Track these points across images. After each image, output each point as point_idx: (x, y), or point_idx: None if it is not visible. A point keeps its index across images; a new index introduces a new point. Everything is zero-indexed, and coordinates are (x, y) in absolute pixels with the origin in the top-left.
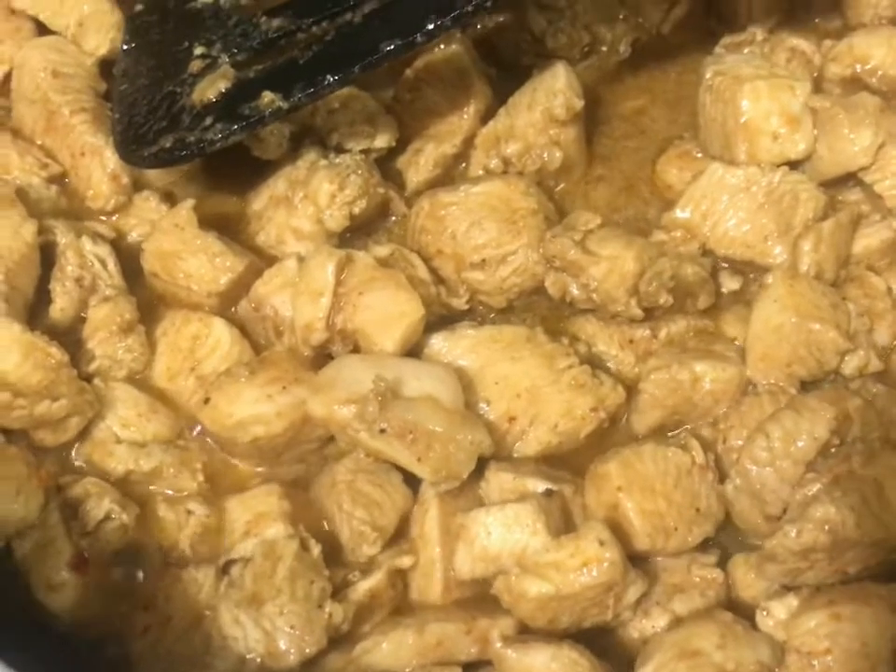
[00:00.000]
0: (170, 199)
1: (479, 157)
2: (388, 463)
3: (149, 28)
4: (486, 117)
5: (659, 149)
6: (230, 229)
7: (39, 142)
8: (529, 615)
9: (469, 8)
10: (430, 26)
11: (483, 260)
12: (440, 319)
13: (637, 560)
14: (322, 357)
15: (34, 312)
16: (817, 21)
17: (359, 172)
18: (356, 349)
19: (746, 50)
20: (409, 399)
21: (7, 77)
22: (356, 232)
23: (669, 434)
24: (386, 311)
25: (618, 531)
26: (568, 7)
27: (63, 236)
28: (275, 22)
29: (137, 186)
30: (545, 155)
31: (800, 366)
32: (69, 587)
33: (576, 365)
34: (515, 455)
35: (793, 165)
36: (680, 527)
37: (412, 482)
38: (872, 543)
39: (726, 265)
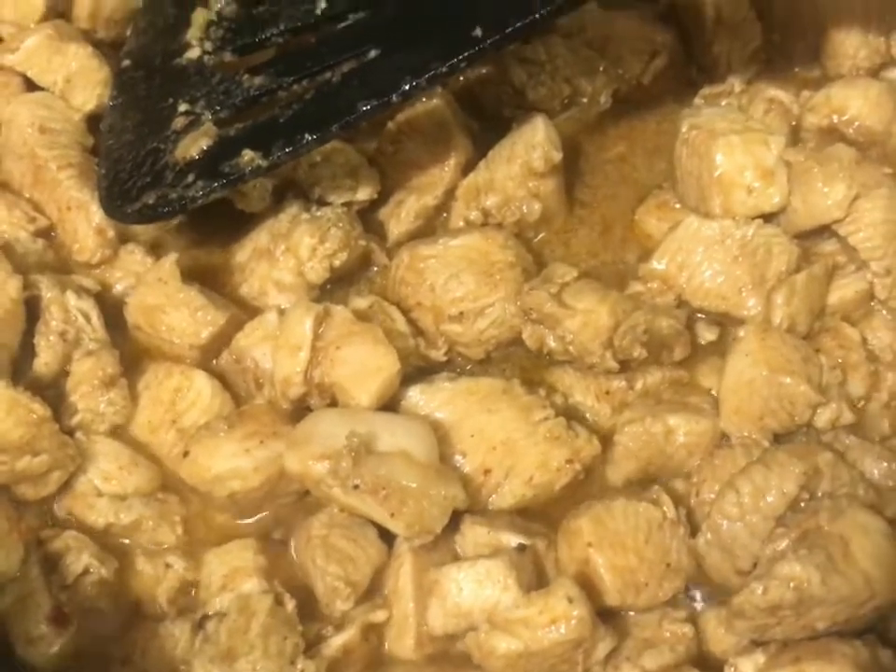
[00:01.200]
0: (155, 251)
1: (460, 209)
2: (363, 518)
3: (136, 84)
4: (467, 169)
5: (639, 198)
6: (214, 280)
7: (27, 195)
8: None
9: (444, 69)
10: (406, 87)
11: (461, 313)
12: (418, 370)
13: (607, 615)
14: (301, 409)
15: (17, 365)
16: (796, 70)
17: (340, 225)
18: (333, 402)
19: (724, 102)
20: (383, 454)
21: None
22: (337, 283)
23: (644, 486)
24: (363, 365)
25: (589, 586)
26: (549, 60)
27: (47, 291)
28: (257, 80)
29: (123, 238)
30: (524, 207)
31: (772, 419)
32: (48, 641)
33: (552, 417)
34: (490, 508)
35: (768, 218)
36: (651, 583)
37: (386, 536)
38: (838, 600)
39: (703, 316)
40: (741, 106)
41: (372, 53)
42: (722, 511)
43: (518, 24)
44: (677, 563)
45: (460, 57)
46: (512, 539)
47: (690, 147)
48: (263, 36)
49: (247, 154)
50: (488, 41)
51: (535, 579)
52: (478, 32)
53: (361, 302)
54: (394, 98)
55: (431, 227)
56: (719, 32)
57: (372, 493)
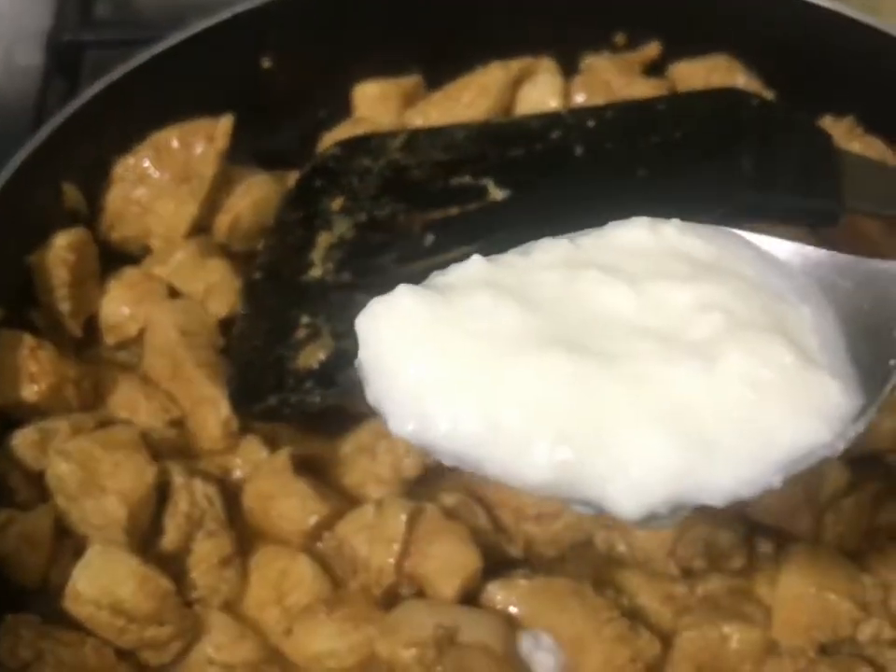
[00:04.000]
0: (271, 441)
1: None
2: None
3: (265, 295)
4: None
5: None
6: (320, 469)
7: (164, 388)
8: None
9: None
10: None
11: (539, 514)
12: (497, 564)
13: None
14: (391, 596)
15: (146, 542)
16: None
17: None
18: (420, 592)
19: None
20: (464, 647)
21: (142, 331)
22: (428, 478)
23: None
24: (449, 561)
25: None
26: None
27: (178, 476)
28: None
29: (244, 430)
30: None
31: (818, 631)
32: None
33: (617, 618)
34: None
35: None
36: None
37: None
38: None
39: (760, 529)
40: None
41: None
42: None
43: None
44: None
45: None
46: None
47: None
48: (377, 262)
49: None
50: None
51: None
52: None
53: (449, 500)
54: None
55: None
56: None
57: None
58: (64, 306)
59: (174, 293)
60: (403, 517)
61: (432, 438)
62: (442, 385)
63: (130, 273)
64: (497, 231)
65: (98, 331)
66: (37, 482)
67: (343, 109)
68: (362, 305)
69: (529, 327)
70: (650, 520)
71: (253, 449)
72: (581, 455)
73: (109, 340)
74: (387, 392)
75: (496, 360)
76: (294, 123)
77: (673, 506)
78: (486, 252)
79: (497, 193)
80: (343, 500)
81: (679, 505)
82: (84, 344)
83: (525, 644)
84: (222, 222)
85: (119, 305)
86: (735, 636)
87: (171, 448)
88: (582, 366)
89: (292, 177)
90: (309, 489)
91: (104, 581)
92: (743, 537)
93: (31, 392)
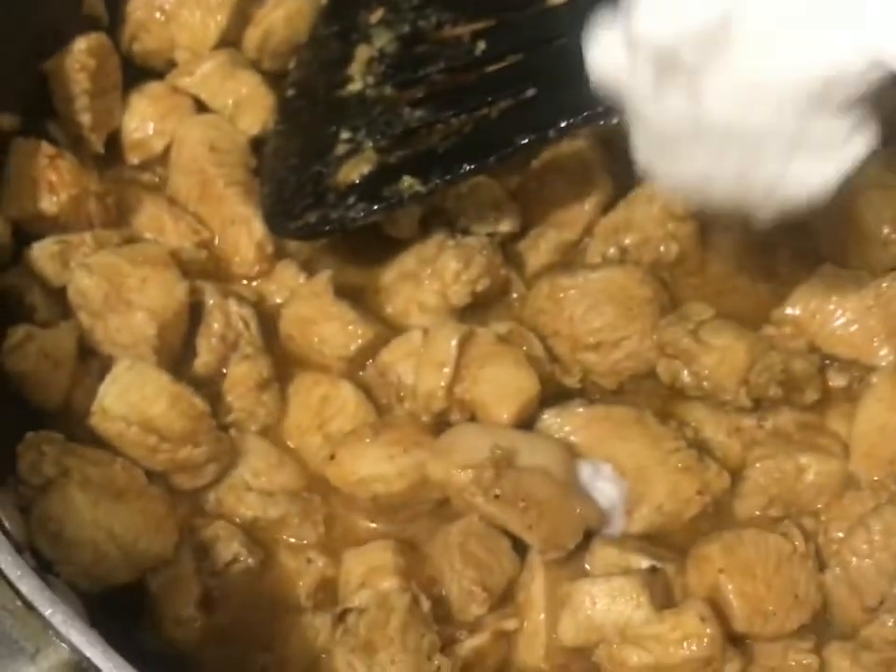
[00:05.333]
0: (307, 268)
1: (597, 245)
2: (498, 528)
3: (300, 112)
4: (606, 207)
5: (772, 244)
6: (358, 299)
7: (192, 209)
8: None
9: (600, 109)
10: (563, 124)
11: (598, 343)
12: (551, 396)
13: (733, 641)
14: (439, 423)
15: (179, 364)
16: None
17: (484, 253)
18: (472, 418)
19: None
20: (522, 469)
21: (167, 148)
22: (475, 309)
23: (770, 521)
24: (504, 385)
25: (717, 611)
26: None
27: (211, 297)
28: (417, 113)
29: (278, 255)
30: (662, 247)
31: None
32: (196, 624)
33: (683, 448)
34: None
35: None
36: (779, 612)
37: (519, 549)
38: None
39: (833, 362)
40: (879, 164)
41: (530, 92)
42: (852, 548)
43: None
44: (805, 595)
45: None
46: (643, 562)
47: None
48: (423, 73)
49: (407, 180)
50: None
51: (664, 600)
52: None
53: (500, 328)
54: (551, 134)
55: (568, 261)
56: None
57: (512, 504)
58: (85, 118)
59: (201, 108)
60: (454, 340)
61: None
62: None
63: (154, 86)
64: (553, 38)
65: (121, 149)
66: (59, 298)
67: None
68: (408, 119)
69: None
70: None
71: (289, 274)
72: None
73: (133, 158)
74: None
75: None
76: None
77: None
78: (541, 61)
79: None
80: (387, 328)
81: None
82: (106, 164)
83: (585, 472)
84: (252, 36)
85: (143, 120)
86: (813, 467)
87: (202, 272)
88: None
89: None
90: (352, 312)
91: (133, 398)
92: (818, 368)
93: (50, 203)
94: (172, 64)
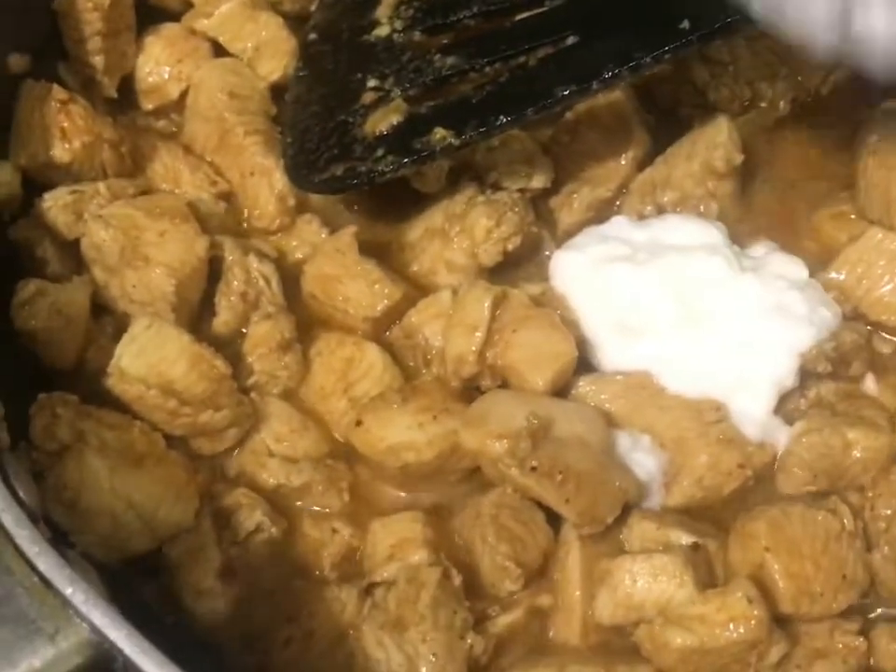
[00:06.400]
0: (330, 224)
1: (633, 202)
2: (532, 501)
3: (323, 57)
4: (642, 163)
5: (811, 207)
6: (383, 256)
7: (209, 159)
8: (670, 666)
9: (648, 59)
10: (608, 74)
11: None
12: (586, 363)
13: (778, 621)
14: (469, 389)
15: (197, 323)
16: None
17: (516, 210)
18: (504, 385)
19: None
20: (559, 440)
21: (183, 94)
22: (505, 267)
23: (814, 497)
24: (540, 350)
25: (762, 590)
26: (732, 62)
27: (230, 253)
28: (449, 61)
29: (300, 209)
30: (701, 206)
31: None
32: (217, 594)
33: (724, 419)
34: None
35: None
36: (826, 593)
37: (553, 522)
38: None
39: (878, 330)
40: None
41: (571, 40)
42: None
43: (728, 20)
44: (852, 575)
45: (666, 48)
46: (682, 537)
47: (878, 158)
48: (454, 18)
49: (439, 132)
50: (696, 34)
51: (707, 578)
52: (685, 24)
53: (533, 289)
54: (594, 85)
55: (602, 218)
56: None
57: (549, 476)
58: (97, 60)
59: (219, 52)
60: (487, 302)
61: None
62: None
63: (170, 28)
64: None
65: (135, 95)
66: (72, 252)
67: None
68: (439, 67)
69: None
70: None
71: (312, 230)
72: None
73: (147, 104)
74: None
75: None
76: None
77: None
78: (582, 7)
79: None
80: (413, 288)
81: None
82: (119, 109)
83: (623, 444)
84: None
85: (158, 64)
86: (861, 443)
87: (220, 226)
88: None
89: None
90: (378, 271)
91: (152, 359)
92: (865, 338)
93: (62, 151)
94: (189, 5)
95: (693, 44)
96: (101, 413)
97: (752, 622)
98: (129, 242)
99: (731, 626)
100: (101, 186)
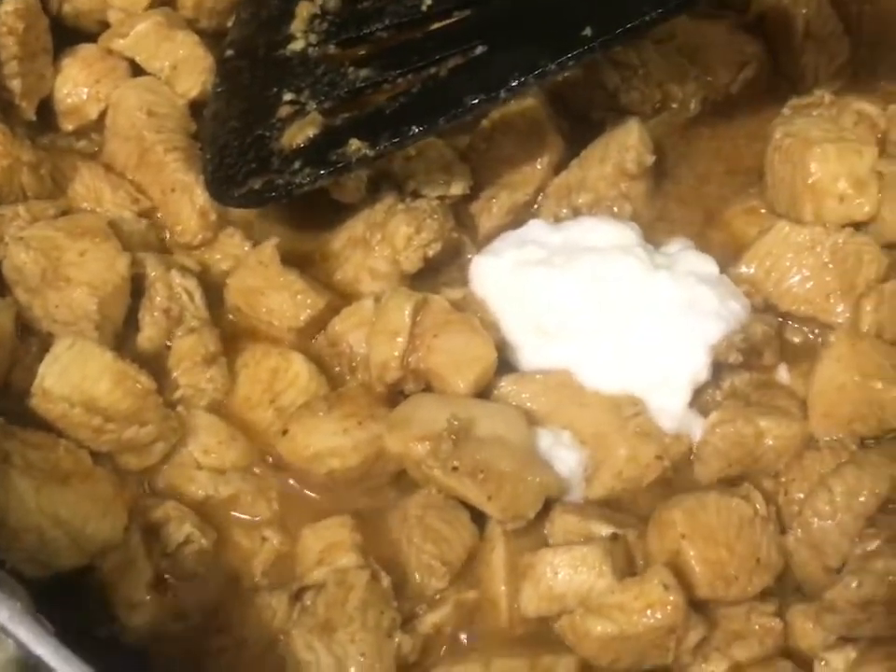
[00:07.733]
0: (253, 236)
1: (550, 205)
2: (456, 500)
3: (240, 73)
4: (558, 168)
5: (724, 203)
6: (307, 266)
7: (130, 177)
8: (592, 654)
9: (552, 67)
10: (514, 83)
11: None
12: (506, 363)
13: (696, 606)
14: (393, 394)
15: (121, 340)
16: (882, 84)
17: (435, 216)
18: (427, 388)
19: (815, 113)
20: (481, 439)
21: (102, 114)
22: (427, 273)
23: (730, 485)
24: (460, 353)
25: (679, 577)
26: (641, 64)
27: (153, 269)
28: (363, 73)
29: (222, 223)
30: (615, 207)
31: (861, 424)
32: (148, 607)
33: (641, 413)
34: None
35: (858, 227)
36: (741, 577)
37: (478, 520)
38: None
39: (789, 320)
40: (831, 118)
41: (479, 49)
42: (814, 509)
43: (629, 26)
44: (766, 558)
45: (569, 55)
46: (603, 529)
47: (783, 153)
48: (367, 31)
49: (354, 143)
50: (598, 41)
51: (626, 567)
52: (588, 31)
53: (454, 294)
54: (502, 93)
55: (521, 221)
56: (807, 45)
57: (471, 475)
58: (14, 84)
59: (137, 71)
60: (408, 308)
61: None
62: None
63: (86, 48)
64: None
65: (54, 116)
66: None
67: None
68: (353, 79)
69: None
70: None
71: (234, 243)
72: None
73: (67, 125)
74: None
75: None
76: None
77: None
78: (490, 17)
79: None
80: (337, 296)
81: None
82: (39, 131)
83: (545, 440)
84: None
85: (77, 85)
86: (772, 431)
87: (142, 243)
88: None
89: None
90: (300, 282)
91: (74, 378)
92: (775, 329)
93: None
94: (105, 26)
95: (595, 50)
96: (25, 432)
97: (669, 607)
98: (50, 263)
99: (648, 613)
100: (20, 208)
